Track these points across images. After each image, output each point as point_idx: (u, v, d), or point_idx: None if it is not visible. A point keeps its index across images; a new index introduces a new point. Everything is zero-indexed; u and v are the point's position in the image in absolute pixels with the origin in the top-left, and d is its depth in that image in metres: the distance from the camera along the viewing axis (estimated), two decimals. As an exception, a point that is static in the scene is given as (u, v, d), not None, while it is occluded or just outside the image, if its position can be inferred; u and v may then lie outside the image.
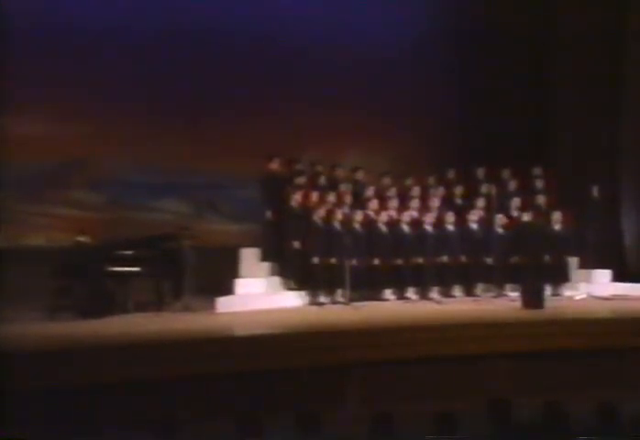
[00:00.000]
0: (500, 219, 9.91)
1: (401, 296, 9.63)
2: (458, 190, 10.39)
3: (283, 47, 11.29)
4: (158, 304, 8.56)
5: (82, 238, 8.40)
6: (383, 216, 9.66)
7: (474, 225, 9.97)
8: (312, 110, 11.45)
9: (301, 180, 9.65)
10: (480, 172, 10.60)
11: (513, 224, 9.98)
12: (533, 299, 8.55)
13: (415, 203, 9.98)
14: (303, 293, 9.25)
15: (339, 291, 9.17)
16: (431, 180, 10.47)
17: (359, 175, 10.20)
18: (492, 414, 4.38)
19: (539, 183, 10.52)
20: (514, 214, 10.08)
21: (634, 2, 11.45)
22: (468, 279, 9.88)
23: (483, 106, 12.11)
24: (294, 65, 11.39)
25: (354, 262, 9.09)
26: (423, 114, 12.12)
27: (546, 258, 9.77)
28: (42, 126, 10.40)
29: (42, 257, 8.61)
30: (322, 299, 9.22)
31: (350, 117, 11.60)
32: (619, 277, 10.34)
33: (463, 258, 9.77)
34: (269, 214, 9.43)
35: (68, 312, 7.98)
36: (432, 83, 12.14)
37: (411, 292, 9.68)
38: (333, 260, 9.12)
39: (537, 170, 10.65)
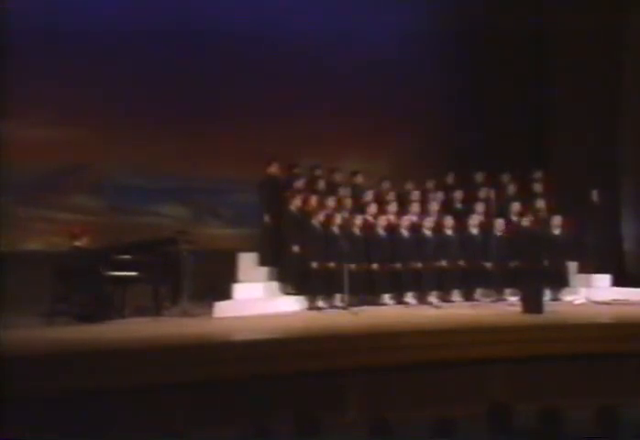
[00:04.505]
0: (499, 224, 9.90)
1: (399, 301, 9.61)
2: (458, 194, 10.38)
3: (283, 50, 11.27)
4: (156, 309, 8.53)
5: (78, 243, 8.37)
6: (382, 221, 9.65)
7: (473, 230, 9.96)
8: (311, 114, 11.45)
9: (300, 184, 9.64)
10: (480, 177, 10.61)
11: (512, 228, 9.96)
12: (532, 304, 8.53)
13: (414, 207, 9.98)
14: (301, 298, 9.22)
15: (338, 296, 9.16)
16: (430, 184, 10.46)
17: (358, 179, 10.20)
18: (492, 420, 4.36)
19: (538, 188, 10.51)
20: (514, 218, 10.07)
21: (634, 2, 11.47)
22: (468, 283, 9.87)
23: (482, 110, 12.10)
24: (294, 69, 11.37)
25: (352, 267, 9.06)
26: (422, 117, 12.12)
27: (546, 262, 9.75)
28: (42, 131, 10.36)
29: (41, 261, 8.58)
30: (320, 303, 9.19)
31: (349, 121, 11.60)
32: (618, 281, 10.32)
33: (462, 263, 9.76)
34: (267, 218, 9.42)
35: (66, 316, 7.94)
36: (431, 87, 12.14)
37: (410, 297, 9.66)
38: (331, 265, 9.11)
39: (537, 175, 10.64)
